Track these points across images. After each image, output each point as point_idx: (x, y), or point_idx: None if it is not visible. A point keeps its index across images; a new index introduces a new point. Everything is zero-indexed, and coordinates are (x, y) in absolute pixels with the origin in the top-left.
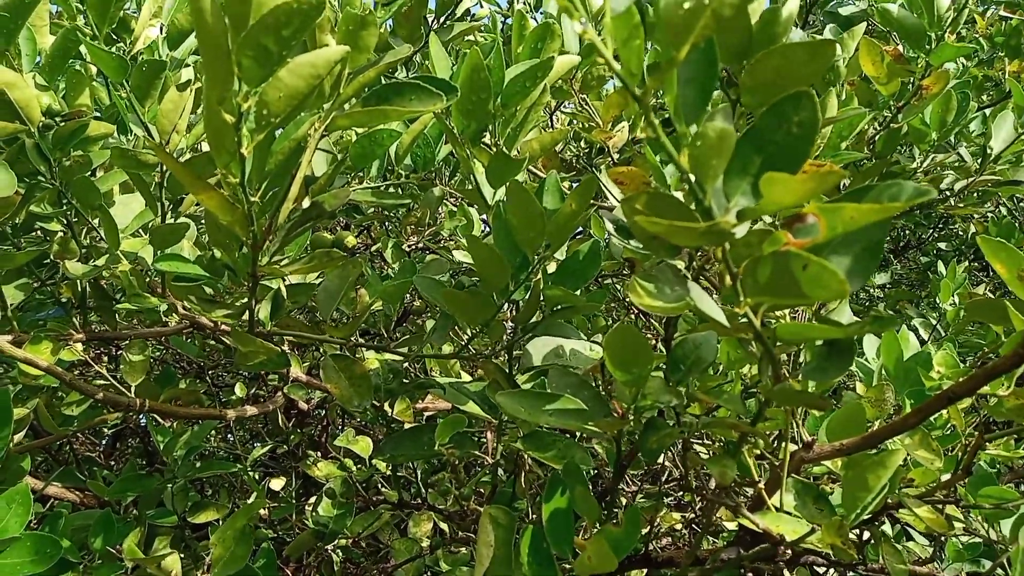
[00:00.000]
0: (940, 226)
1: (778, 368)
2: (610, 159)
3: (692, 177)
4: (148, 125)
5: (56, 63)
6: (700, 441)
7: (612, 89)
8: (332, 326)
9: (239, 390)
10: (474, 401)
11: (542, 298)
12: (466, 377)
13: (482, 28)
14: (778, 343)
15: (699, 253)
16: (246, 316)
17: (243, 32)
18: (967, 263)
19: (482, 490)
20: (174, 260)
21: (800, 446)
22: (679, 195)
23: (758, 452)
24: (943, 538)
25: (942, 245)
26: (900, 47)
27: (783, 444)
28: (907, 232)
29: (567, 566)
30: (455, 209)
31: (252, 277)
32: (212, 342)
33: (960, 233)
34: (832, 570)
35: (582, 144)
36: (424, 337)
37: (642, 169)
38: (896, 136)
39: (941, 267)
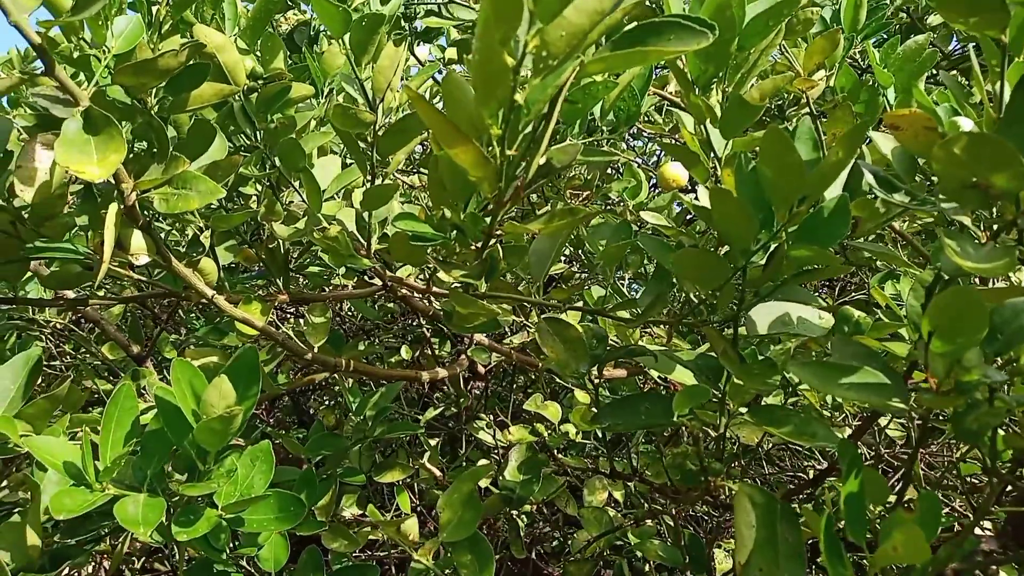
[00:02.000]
0: None
1: None
2: (807, 109)
3: None
4: (363, 83)
5: (257, 26)
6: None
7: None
8: (554, 289)
9: (404, 352)
10: (689, 369)
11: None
12: (648, 343)
13: None
14: None
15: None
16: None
17: None
18: None
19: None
20: (409, 220)
21: None
22: None
23: None
24: None
25: None
26: None
27: None
28: None
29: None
30: (621, 174)
31: (487, 236)
32: (391, 305)
33: None
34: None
35: (773, 98)
36: (647, 303)
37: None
38: None
39: None
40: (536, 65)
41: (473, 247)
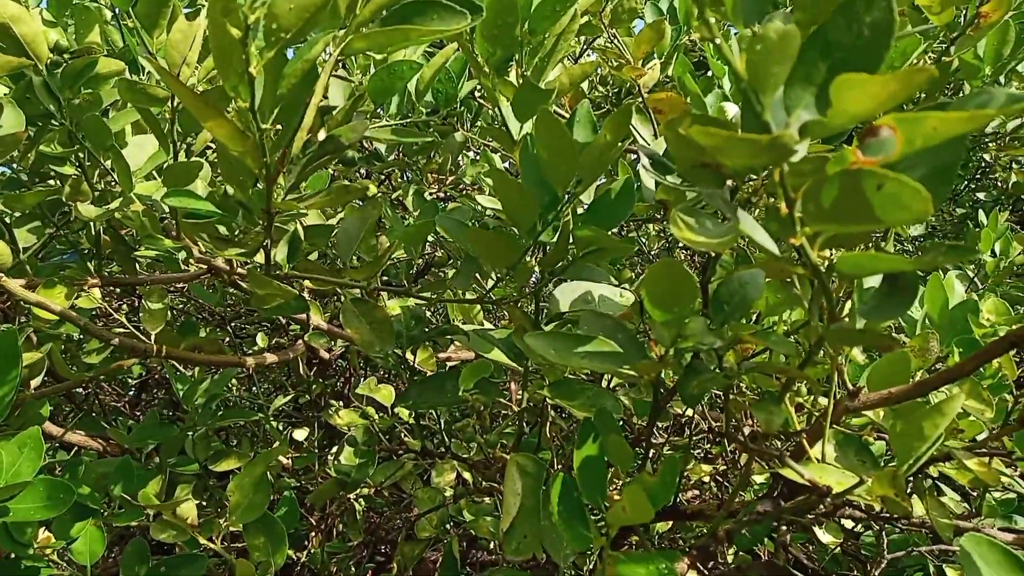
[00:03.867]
0: (978, 176)
1: (833, 306)
2: (640, 100)
3: (749, 87)
4: (157, 57)
5: None
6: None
7: (644, 24)
8: (352, 269)
9: (261, 340)
10: (499, 348)
11: (571, 240)
12: (489, 325)
13: None
14: (835, 279)
15: (745, 184)
16: (263, 259)
17: None
18: (1007, 214)
19: (506, 441)
20: (184, 196)
21: (844, 394)
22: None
23: (799, 401)
24: (975, 493)
25: (980, 195)
26: None
27: (829, 392)
28: None
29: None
30: (477, 158)
31: (267, 214)
32: (232, 291)
33: (999, 183)
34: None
35: (610, 87)
36: (447, 282)
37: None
38: (946, 72)
39: (982, 216)
40: (268, 38)
41: (261, 225)
